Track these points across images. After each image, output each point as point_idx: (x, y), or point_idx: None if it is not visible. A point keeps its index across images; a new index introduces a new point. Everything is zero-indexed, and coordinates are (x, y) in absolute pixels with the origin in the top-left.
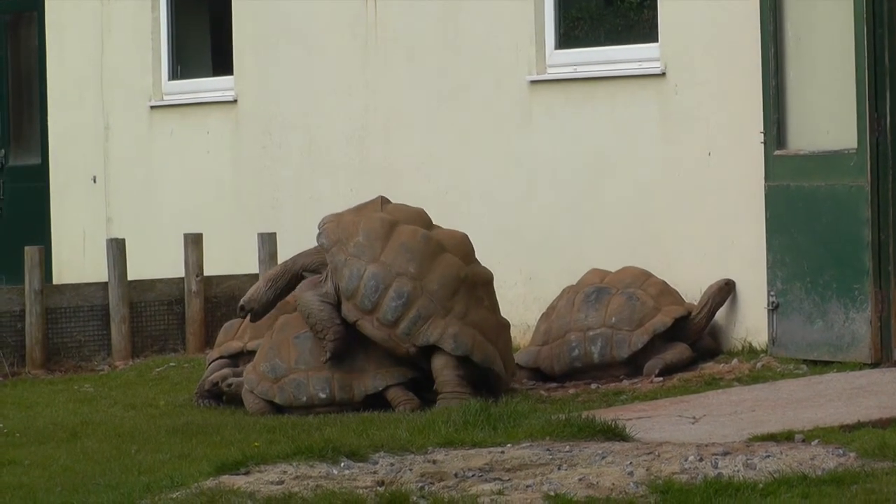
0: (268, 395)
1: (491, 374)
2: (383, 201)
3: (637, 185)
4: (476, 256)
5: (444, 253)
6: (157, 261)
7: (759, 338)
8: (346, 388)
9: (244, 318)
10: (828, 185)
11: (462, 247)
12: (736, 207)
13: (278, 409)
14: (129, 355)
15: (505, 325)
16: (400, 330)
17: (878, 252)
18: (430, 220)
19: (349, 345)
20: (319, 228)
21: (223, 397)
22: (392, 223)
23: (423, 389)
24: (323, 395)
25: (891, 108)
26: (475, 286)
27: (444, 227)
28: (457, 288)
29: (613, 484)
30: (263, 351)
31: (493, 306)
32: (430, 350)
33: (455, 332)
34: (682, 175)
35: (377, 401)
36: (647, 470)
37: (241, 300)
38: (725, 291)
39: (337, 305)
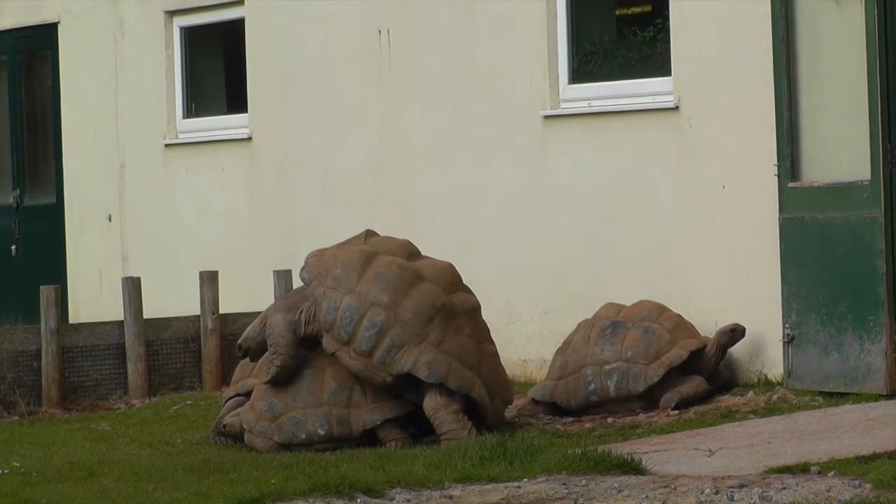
0: (266, 433)
1: (473, 402)
2: (368, 234)
3: (652, 218)
4: (464, 285)
5: (422, 282)
6: (173, 298)
7: (775, 370)
8: (344, 423)
9: (242, 357)
10: (842, 216)
11: (444, 276)
12: (751, 240)
13: (286, 446)
14: (145, 393)
15: (490, 353)
16: (375, 359)
17: (893, 283)
18: (415, 251)
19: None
20: (304, 263)
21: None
22: (370, 255)
23: (422, 422)
24: (321, 432)
25: None
26: (454, 314)
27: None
28: (432, 316)
29: None
30: (260, 390)
31: (477, 334)
32: (409, 379)
33: (429, 360)
34: (696, 208)
35: (376, 435)
36: (663, 503)
37: (239, 340)
38: (729, 337)
39: (303, 339)
